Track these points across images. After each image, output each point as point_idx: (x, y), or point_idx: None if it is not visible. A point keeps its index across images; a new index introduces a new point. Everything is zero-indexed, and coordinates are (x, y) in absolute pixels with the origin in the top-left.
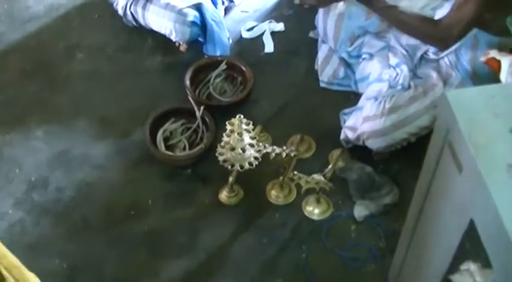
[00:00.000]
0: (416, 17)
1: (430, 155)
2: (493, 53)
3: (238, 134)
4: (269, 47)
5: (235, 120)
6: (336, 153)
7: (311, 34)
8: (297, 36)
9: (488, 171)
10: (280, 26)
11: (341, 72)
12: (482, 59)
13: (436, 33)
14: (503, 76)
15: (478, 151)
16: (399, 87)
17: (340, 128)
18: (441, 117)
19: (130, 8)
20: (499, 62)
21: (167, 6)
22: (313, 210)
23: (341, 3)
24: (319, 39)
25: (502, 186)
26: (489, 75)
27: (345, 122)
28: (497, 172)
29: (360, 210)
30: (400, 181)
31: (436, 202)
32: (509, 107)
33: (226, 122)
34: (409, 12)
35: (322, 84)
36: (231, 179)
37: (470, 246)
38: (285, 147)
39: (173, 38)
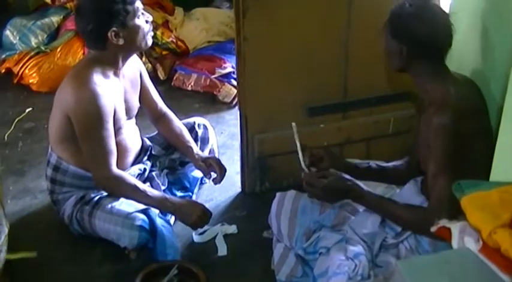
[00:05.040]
0: (404, 207)
1: None
2: (443, 222)
3: None
4: (222, 250)
5: None
6: None
7: (265, 234)
8: (250, 237)
9: None
10: (233, 228)
11: (299, 270)
12: (433, 229)
13: (425, 221)
14: (454, 243)
15: None
16: (359, 277)
17: None
18: None
19: (76, 216)
20: (449, 229)
21: (114, 211)
22: None
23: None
24: (274, 238)
25: None
26: None
27: None
28: None
29: None
30: None
31: None
32: (465, 271)
33: None
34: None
35: None
36: None
37: None
38: None
39: (121, 243)
